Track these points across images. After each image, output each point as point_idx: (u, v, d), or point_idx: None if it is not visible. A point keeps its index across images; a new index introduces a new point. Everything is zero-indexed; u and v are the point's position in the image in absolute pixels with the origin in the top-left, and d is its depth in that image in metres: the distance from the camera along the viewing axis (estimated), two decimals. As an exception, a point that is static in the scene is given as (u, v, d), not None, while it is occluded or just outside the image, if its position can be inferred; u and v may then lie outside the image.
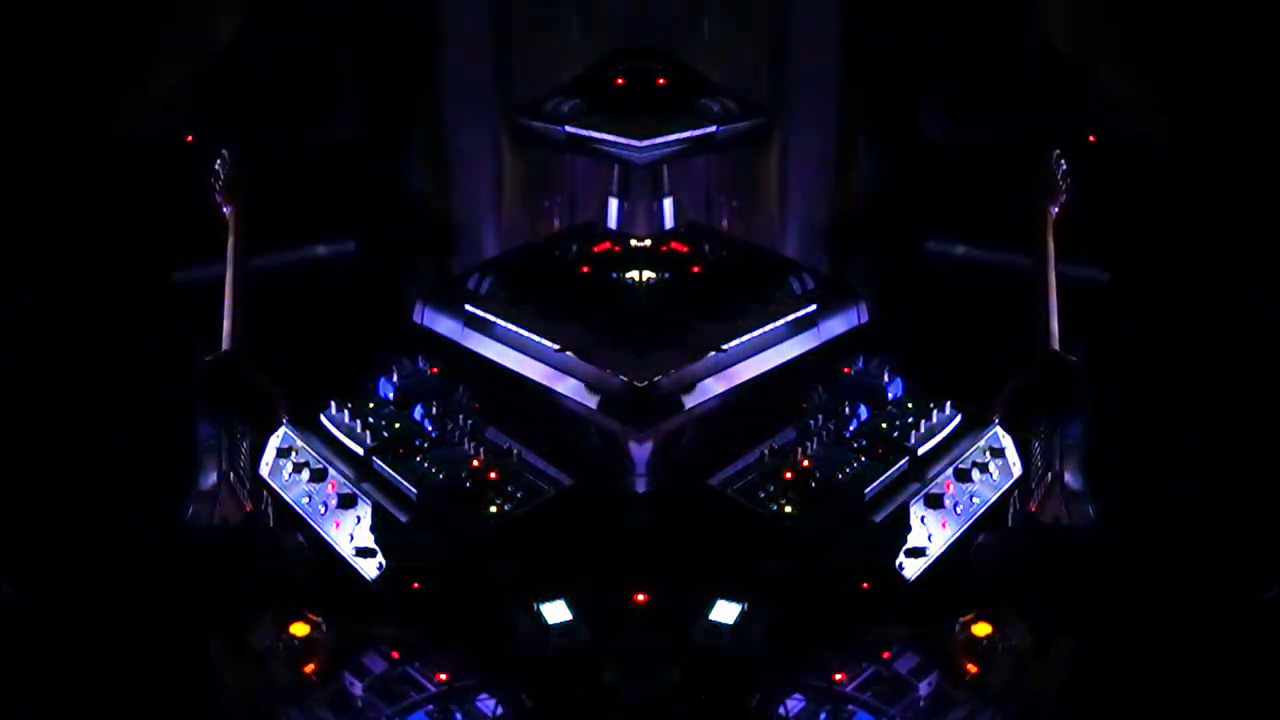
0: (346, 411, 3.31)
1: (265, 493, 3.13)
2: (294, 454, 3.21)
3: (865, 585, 2.82)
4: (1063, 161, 2.49)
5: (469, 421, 3.26)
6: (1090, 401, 2.60)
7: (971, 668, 2.66)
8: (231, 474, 2.97)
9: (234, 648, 2.69)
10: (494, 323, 3.18)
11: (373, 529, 2.94)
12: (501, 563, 2.84)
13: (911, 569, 2.87)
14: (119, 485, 3.28)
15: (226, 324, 2.58)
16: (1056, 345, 2.46)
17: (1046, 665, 2.27)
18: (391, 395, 3.45)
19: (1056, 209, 2.53)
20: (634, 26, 3.79)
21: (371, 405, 3.38)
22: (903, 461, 3.09)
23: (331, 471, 3.12)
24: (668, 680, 2.56)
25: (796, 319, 3.21)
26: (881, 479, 2.99)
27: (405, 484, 2.99)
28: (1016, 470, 3.17)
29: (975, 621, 2.72)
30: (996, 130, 4.48)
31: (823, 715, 2.57)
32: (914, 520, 2.94)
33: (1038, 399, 2.38)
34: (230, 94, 4.37)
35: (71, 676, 2.77)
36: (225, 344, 2.57)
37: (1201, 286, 3.48)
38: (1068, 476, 2.19)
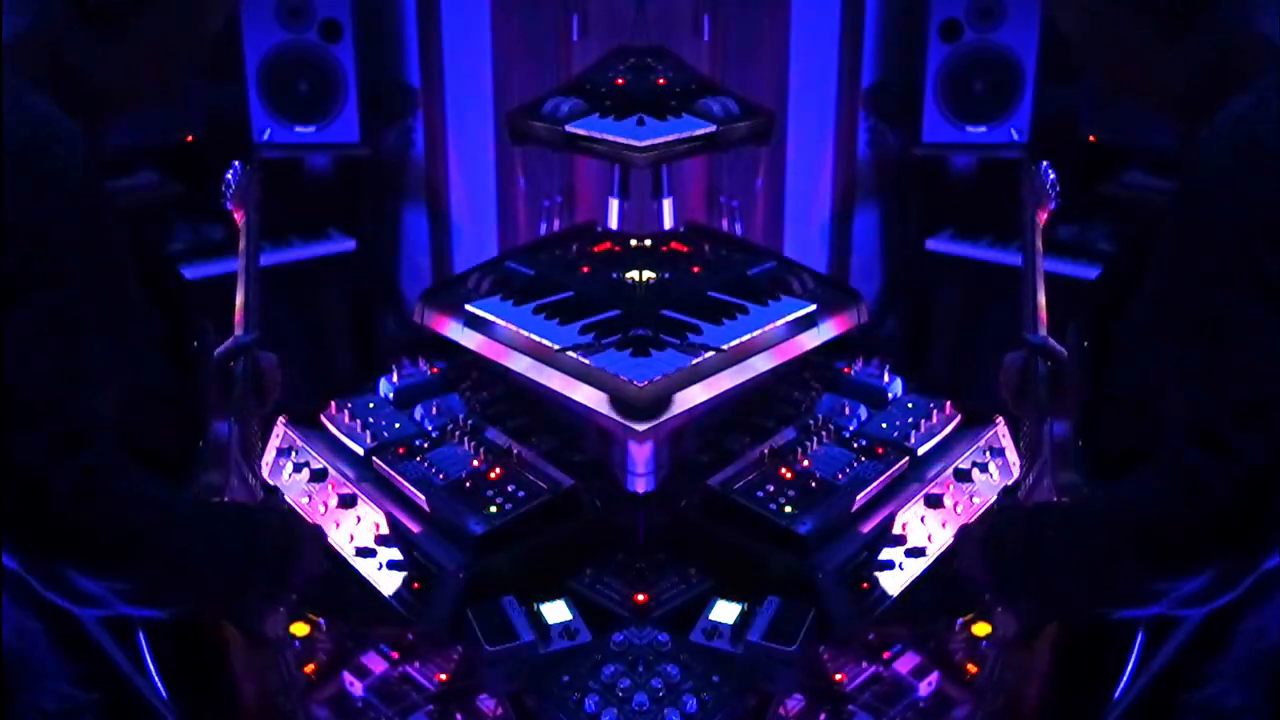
0: (346, 411, 3.32)
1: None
2: (294, 454, 3.22)
3: (865, 585, 2.81)
4: (1051, 172, 2.49)
5: (469, 421, 3.26)
6: (1081, 397, 2.59)
7: (971, 668, 2.66)
8: (237, 473, 2.97)
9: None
10: (494, 323, 3.18)
11: (372, 529, 2.94)
12: (501, 563, 2.84)
13: (912, 569, 2.87)
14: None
15: (238, 318, 2.57)
16: (1044, 332, 2.45)
17: (1039, 661, 2.26)
18: (391, 395, 3.45)
19: (1045, 215, 2.53)
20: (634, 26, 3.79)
21: (371, 405, 3.38)
22: (903, 461, 3.08)
23: (331, 471, 3.12)
24: (667, 680, 2.55)
25: (796, 319, 3.20)
26: (881, 479, 2.98)
27: (405, 484, 2.98)
28: (1016, 470, 3.17)
29: (975, 621, 2.72)
30: (997, 131, 4.49)
31: (822, 715, 2.56)
32: (914, 520, 2.93)
33: (1029, 380, 2.36)
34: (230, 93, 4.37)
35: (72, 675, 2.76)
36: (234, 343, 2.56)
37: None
38: (1061, 475, 2.19)
